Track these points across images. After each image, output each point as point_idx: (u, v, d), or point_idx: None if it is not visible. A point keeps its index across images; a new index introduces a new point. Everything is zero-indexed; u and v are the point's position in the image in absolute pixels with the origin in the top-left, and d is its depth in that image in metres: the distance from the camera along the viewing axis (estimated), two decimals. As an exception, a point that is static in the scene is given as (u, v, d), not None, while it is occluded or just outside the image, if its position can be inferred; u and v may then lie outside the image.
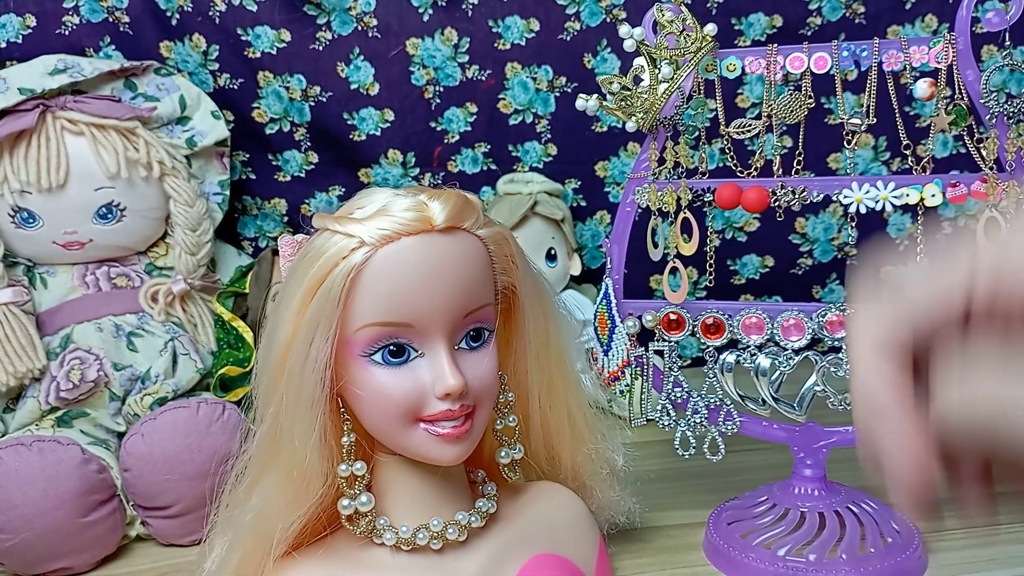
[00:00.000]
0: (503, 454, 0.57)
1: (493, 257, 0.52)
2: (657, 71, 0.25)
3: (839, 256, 1.10)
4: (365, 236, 0.48)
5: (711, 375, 0.67)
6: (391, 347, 0.49)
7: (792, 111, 0.63)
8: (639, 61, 0.29)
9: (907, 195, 0.61)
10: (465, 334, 0.51)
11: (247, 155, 1.04)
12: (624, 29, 0.26)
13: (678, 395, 0.68)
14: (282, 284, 0.53)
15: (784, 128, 0.64)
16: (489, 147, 1.06)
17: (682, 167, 0.67)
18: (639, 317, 0.68)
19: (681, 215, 0.65)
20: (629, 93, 0.26)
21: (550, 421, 0.59)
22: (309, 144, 1.04)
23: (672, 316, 0.67)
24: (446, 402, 0.49)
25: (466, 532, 0.54)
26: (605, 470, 0.63)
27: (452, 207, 0.49)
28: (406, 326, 0.48)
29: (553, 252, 1.02)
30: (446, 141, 1.05)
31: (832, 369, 0.65)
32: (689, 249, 0.66)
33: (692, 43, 0.25)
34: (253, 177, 1.05)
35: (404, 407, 0.49)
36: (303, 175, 1.05)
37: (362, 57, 1.01)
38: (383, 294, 0.48)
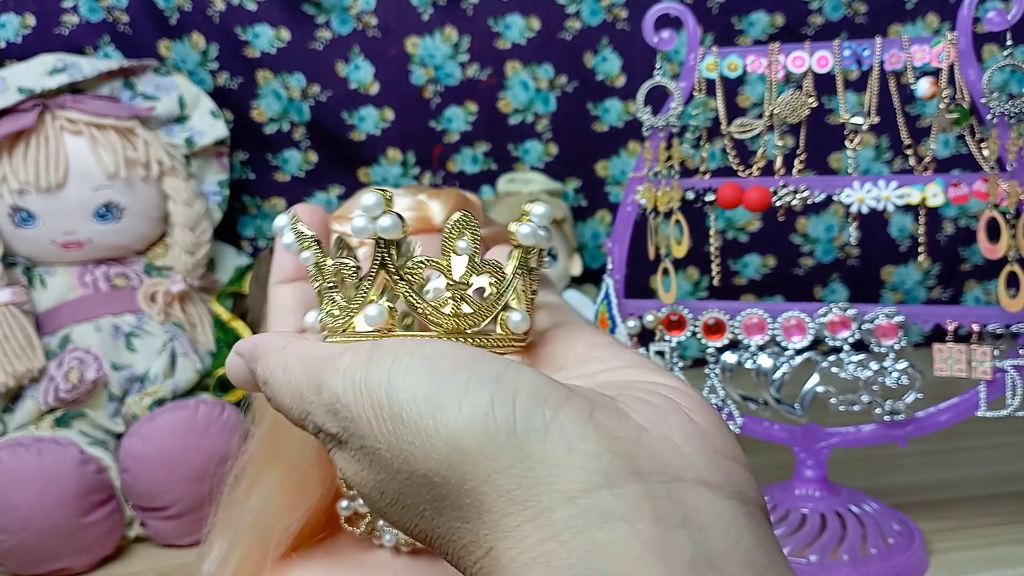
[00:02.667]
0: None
1: (493, 257, 0.52)
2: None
3: (841, 256, 1.10)
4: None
5: (712, 376, 0.67)
6: (390, 347, 0.49)
7: (794, 110, 0.62)
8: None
9: (909, 195, 0.61)
10: (465, 334, 0.50)
11: (246, 155, 1.04)
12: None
13: (679, 395, 0.67)
14: (281, 284, 0.52)
15: (786, 127, 0.63)
16: (489, 147, 1.06)
17: (682, 166, 0.67)
18: (640, 317, 0.67)
19: (674, 216, 0.65)
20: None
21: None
22: (308, 144, 1.04)
23: (673, 317, 0.67)
24: (446, 403, 0.49)
25: (466, 533, 0.54)
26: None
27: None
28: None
29: (553, 252, 1.02)
30: (446, 140, 1.05)
31: (834, 370, 0.64)
32: (679, 251, 0.66)
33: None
34: (252, 177, 1.05)
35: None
36: (302, 175, 1.05)
37: (362, 56, 1.01)
38: (382, 294, 0.48)
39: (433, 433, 0.22)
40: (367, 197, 0.26)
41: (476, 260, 0.27)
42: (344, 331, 0.28)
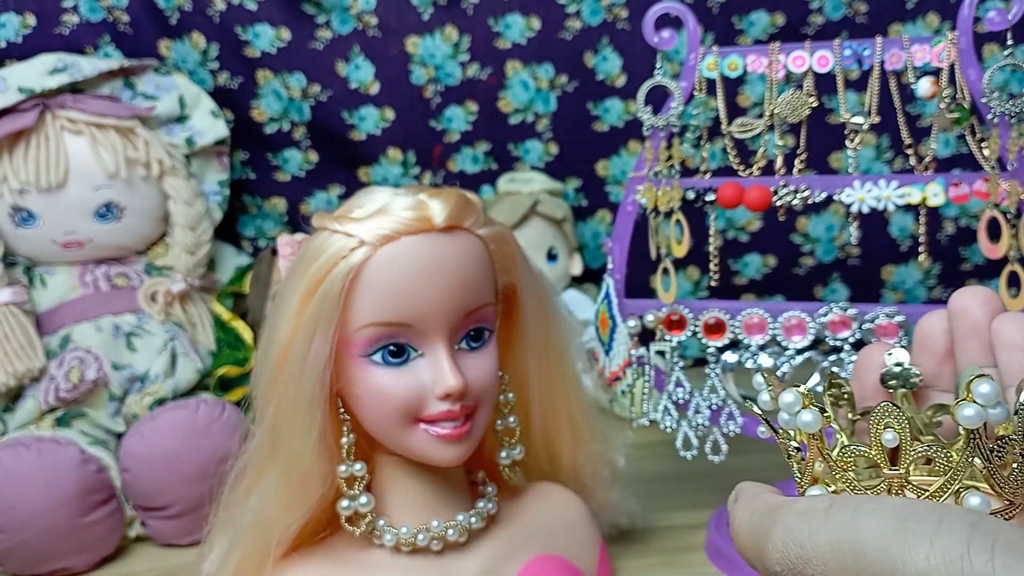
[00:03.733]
0: (503, 455, 0.56)
1: (493, 257, 0.52)
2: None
3: (841, 256, 1.10)
4: (365, 236, 0.48)
5: (712, 376, 0.67)
6: (391, 347, 0.49)
7: (794, 110, 0.62)
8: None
9: (909, 194, 0.61)
10: (465, 334, 0.50)
11: (246, 154, 1.04)
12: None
13: (680, 395, 0.67)
14: (281, 284, 0.52)
15: (786, 127, 0.63)
16: (489, 146, 1.06)
17: (682, 166, 0.67)
18: (640, 317, 0.67)
19: (674, 216, 0.65)
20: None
21: (550, 421, 0.59)
22: (309, 143, 1.04)
23: (674, 316, 0.66)
24: (446, 403, 0.49)
25: (466, 533, 0.54)
26: (606, 471, 0.63)
27: (452, 206, 0.49)
28: (406, 326, 0.48)
29: (554, 252, 1.02)
30: (446, 140, 1.05)
31: (834, 369, 0.64)
32: (680, 251, 0.65)
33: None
34: (252, 176, 1.05)
35: (404, 407, 0.49)
36: (302, 174, 1.05)
37: (362, 56, 1.01)
38: (383, 294, 0.48)
39: (900, 567, 0.22)
40: (786, 395, 0.30)
41: (912, 448, 0.28)
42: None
